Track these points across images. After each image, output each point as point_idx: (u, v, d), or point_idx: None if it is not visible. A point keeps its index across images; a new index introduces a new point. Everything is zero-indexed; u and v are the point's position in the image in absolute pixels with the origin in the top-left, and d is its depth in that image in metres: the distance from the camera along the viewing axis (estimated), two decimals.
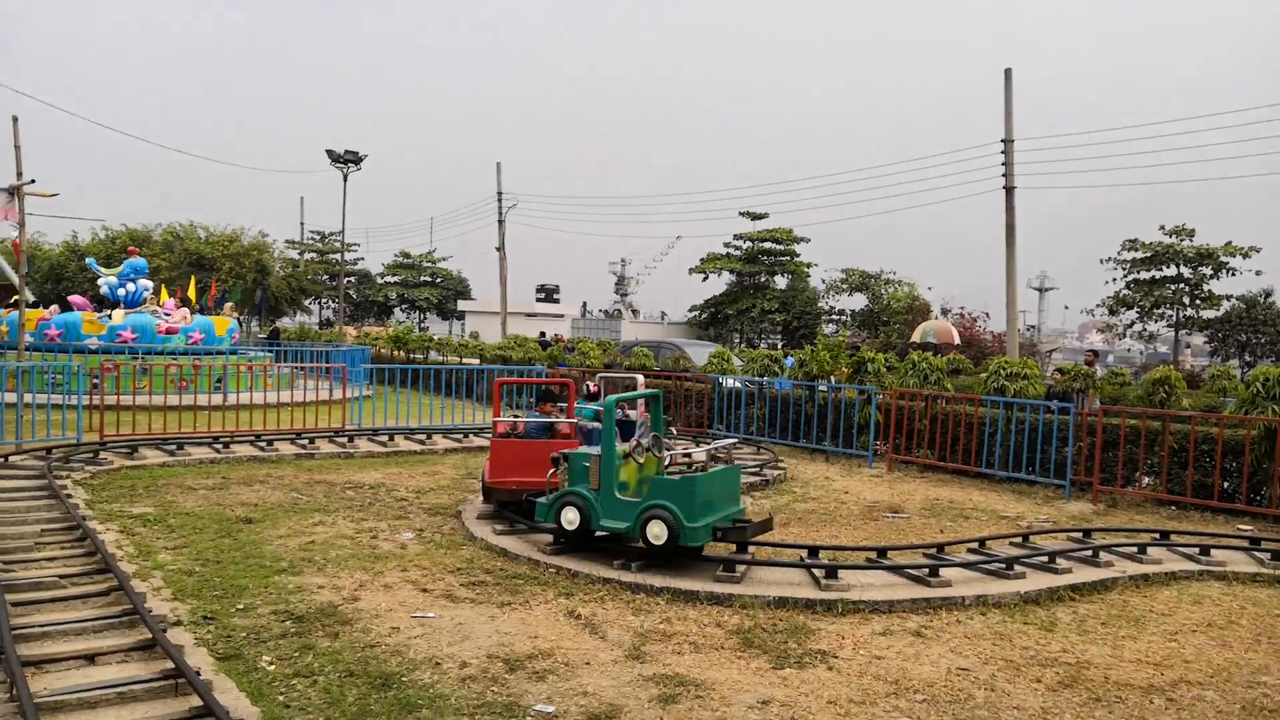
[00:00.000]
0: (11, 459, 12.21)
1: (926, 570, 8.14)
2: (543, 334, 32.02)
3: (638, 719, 5.31)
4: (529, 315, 62.12)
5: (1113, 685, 6.15)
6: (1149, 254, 40.57)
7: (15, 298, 19.78)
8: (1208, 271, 39.96)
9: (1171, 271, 40.76)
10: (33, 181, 18.31)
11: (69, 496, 10.20)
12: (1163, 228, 40.10)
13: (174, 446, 13.99)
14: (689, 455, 9.14)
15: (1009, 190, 26.68)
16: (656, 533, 7.90)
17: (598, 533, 8.46)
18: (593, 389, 12.90)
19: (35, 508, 9.67)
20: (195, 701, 5.01)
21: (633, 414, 10.70)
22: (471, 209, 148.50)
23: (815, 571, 8.05)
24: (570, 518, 8.35)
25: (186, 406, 16.72)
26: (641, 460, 8.34)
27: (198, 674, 5.34)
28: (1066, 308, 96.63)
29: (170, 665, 5.45)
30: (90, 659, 5.67)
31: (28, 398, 14.69)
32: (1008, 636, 7.04)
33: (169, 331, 23.62)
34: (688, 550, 8.20)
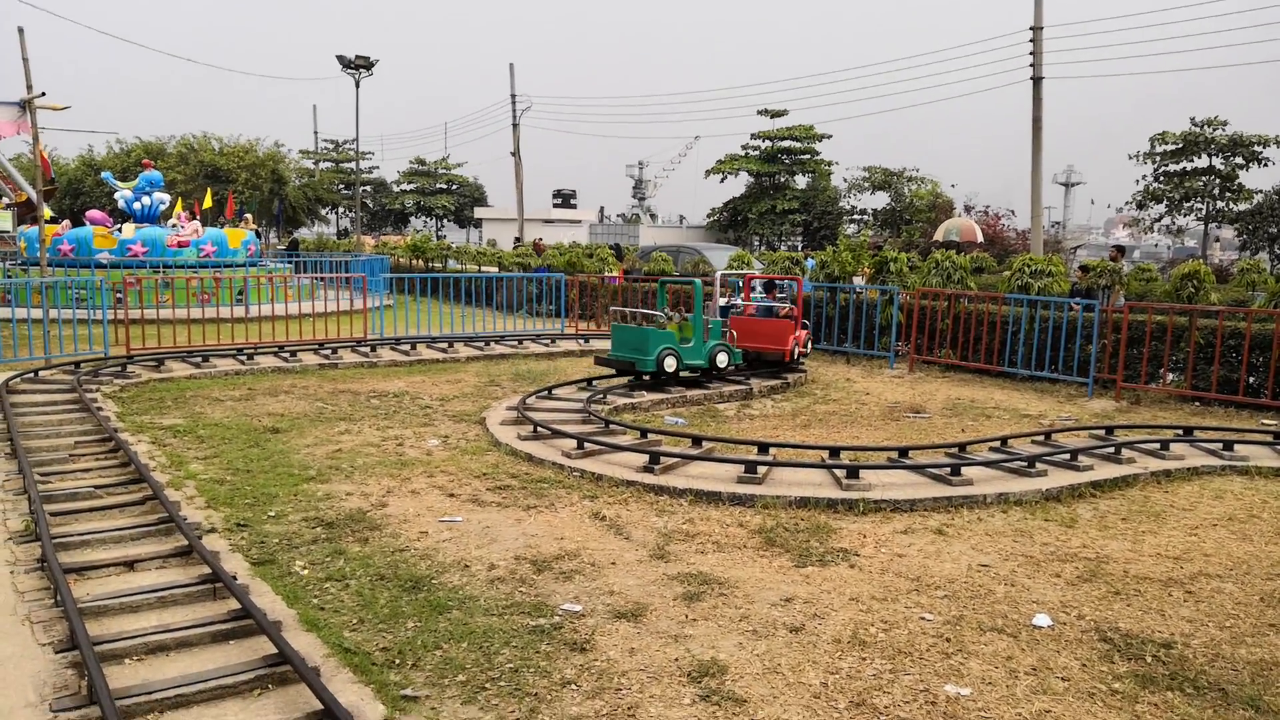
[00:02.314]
0: (41, 374, 12.40)
1: (948, 469, 8.18)
2: (518, 239, 35.43)
3: (663, 617, 5.43)
4: (546, 221, 61.65)
5: (1132, 579, 6.21)
6: (1179, 144, 39.52)
7: (35, 213, 19.79)
8: (1239, 162, 38.93)
9: (1203, 163, 39.74)
10: (43, 95, 18.14)
11: (100, 409, 10.38)
12: (1193, 119, 38.96)
13: (199, 359, 14.15)
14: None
15: (1036, 81, 25.91)
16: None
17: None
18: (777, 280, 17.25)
19: (68, 420, 9.86)
20: (233, 605, 5.15)
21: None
22: (485, 113, 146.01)
23: (836, 472, 8.11)
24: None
25: (210, 319, 16.84)
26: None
27: (234, 579, 5.48)
28: (1093, 202, 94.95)
29: (207, 570, 5.60)
30: (129, 565, 5.84)
31: (53, 313, 14.85)
32: (1028, 533, 7.10)
33: (180, 245, 23.59)
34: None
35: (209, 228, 25.46)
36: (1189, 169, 40.09)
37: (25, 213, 28.13)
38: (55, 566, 5.45)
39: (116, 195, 25.36)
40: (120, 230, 23.51)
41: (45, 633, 4.87)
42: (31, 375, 12.22)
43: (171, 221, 24.52)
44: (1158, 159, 40.55)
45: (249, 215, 32.11)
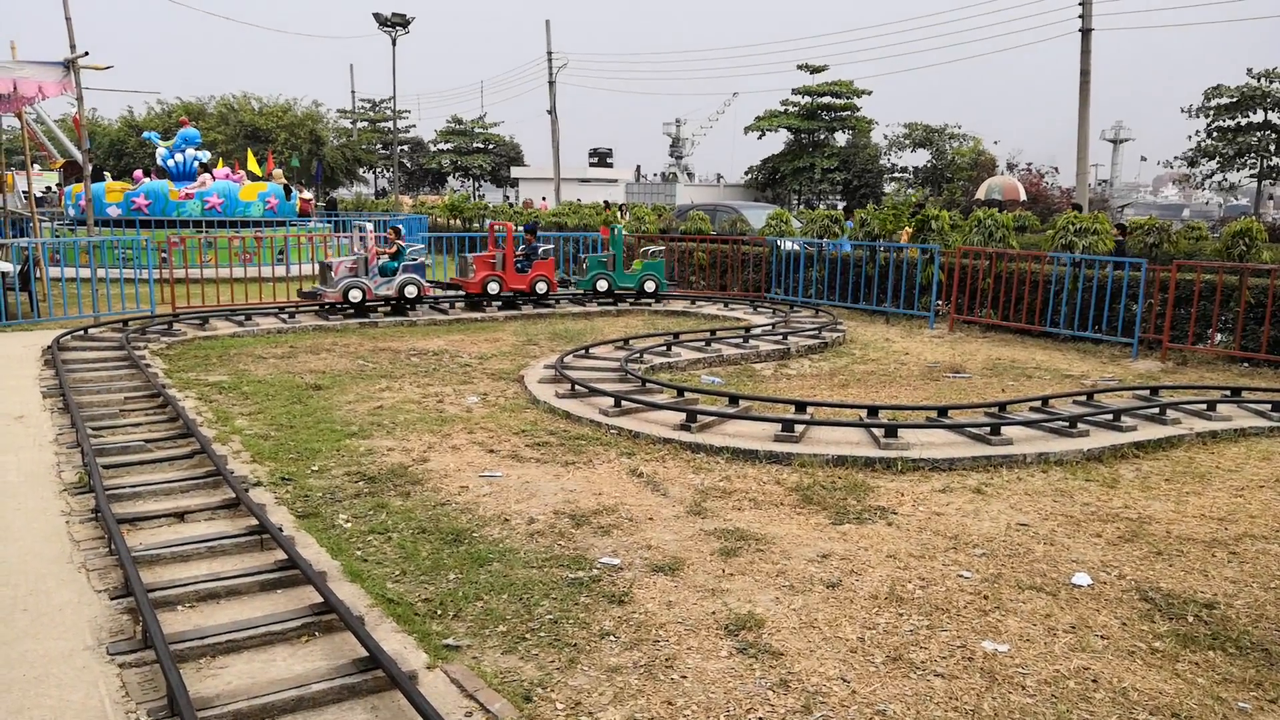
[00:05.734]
0: (91, 331, 12.66)
1: (987, 429, 8.12)
2: (507, 196, 37.40)
3: (700, 571, 5.48)
4: (582, 181, 61.36)
5: (1174, 539, 6.15)
6: (1234, 98, 38.32)
7: (82, 172, 20.09)
8: None
9: (1258, 117, 38.53)
10: (86, 54, 18.28)
11: (148, 366, 10.60)
12: (1250, 70, 37.73)
13: (242, 317, 14.37)
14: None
15: (1085, 33, 25.20)
16: (649, 287, 17.66)
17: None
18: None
19: (117, 377, 10.08)
20: (280, 555, 5.28)
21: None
22: (521, 70, 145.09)
23: (875, 431, 8.08)
24: (602, 286, 17.59)
25: (252, 279, 17.05)
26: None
27: (280, 530, 5.61)
28: (1143, 159, 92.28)
29: (254, 522, 5.73)
30: (180, 516, 5.99)
31: (100, 272, 15.11)
32: (1069, 493, 7.04)
33: (185, 197, 23.64)
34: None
35: (216, 180, 25.38)
36: (1244, 124, 38.91)
37: (72, 173, 28.59)
38: (109, 517, 5.61)
39: (158, 154, 25.64)
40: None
41: (101, 580, 5.03)
42: (81, 333, 12.49)
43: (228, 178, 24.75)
44: (1211, 113, 39.38)
45: (279, 171, 32.31)
